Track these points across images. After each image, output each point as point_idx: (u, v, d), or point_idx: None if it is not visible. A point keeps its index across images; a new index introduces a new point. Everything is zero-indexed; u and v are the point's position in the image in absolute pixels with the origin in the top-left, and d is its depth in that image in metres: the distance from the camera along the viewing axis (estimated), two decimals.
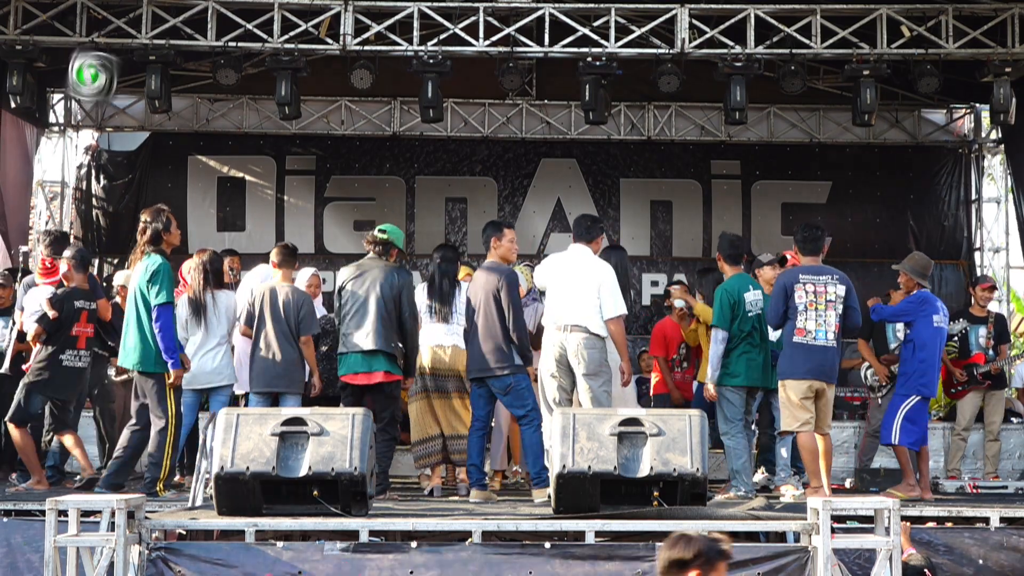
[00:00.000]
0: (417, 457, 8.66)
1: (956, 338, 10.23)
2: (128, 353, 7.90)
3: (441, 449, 8.58)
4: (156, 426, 7.87)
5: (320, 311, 9.31)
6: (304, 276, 9.30)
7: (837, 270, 8.21)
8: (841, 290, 8.04)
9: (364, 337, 8.02)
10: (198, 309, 8.66)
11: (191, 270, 8.84)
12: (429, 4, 11.15)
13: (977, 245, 14.29)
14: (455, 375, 8.59)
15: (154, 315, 7.76)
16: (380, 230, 8.42)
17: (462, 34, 11.18)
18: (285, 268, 8.83)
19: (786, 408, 8.07)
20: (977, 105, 14.05)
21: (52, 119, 13.85)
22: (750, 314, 8.23)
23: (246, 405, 8.70)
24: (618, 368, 8.11)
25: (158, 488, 7.83)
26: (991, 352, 10.19)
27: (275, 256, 8.90)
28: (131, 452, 7.99)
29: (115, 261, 13.62)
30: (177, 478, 8.89)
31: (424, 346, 8.57)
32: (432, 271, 8.78)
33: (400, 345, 8.16)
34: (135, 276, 7.92)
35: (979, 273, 13.85)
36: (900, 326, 9.50)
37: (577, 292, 8.04)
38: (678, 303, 10.06)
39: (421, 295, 8.69)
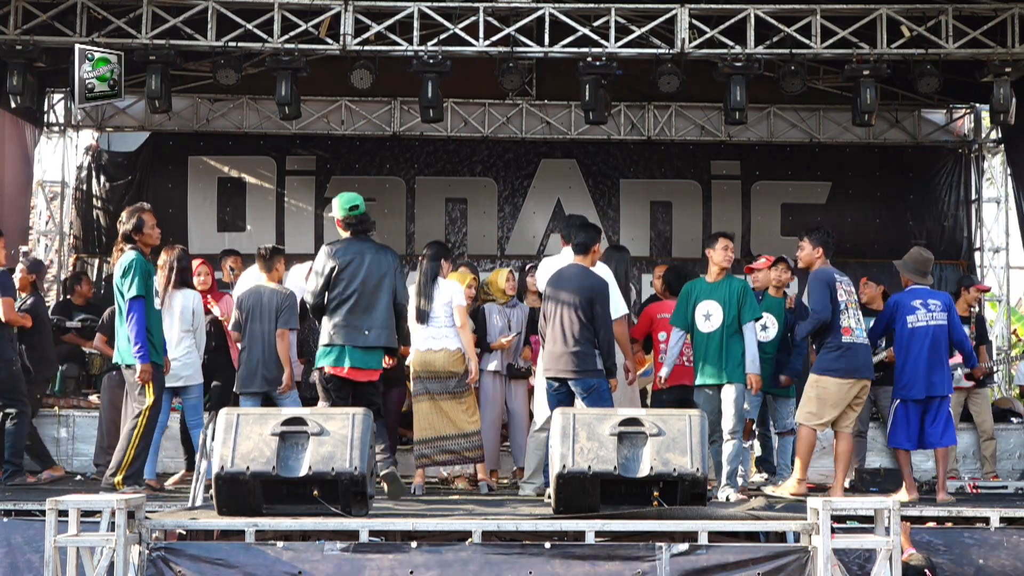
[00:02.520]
0: (420, 455, 8.61)
1: None
2: (117, 349, 7.88)
3: (444, 450, 8.54)
4: (127, 417, 7.83)
5: None
6: (302, 271, 9.33)
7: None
8: (855, 293, 8.27)
9: (369, 332, 7.61)
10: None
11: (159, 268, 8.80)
12: (429, 4, 11.15)
13: (977, 245, 14.29)
14: (450, 377, 8.54)
15: (126, 308, 7.69)
16: (352, 206, 7.85)
17: (462, 34, 11.18)
18: (269, 270, 8.87)
19: (814, 403, 8.07)
20: (977, 105, 14.05)
21: (52, 119, 13.84)
22: None
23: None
24: (623, 367, 8.16)
25: (116, 481, 7.56)
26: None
27: (259, 261, 8.99)
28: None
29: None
30: (184, 473, 8.91)
31: (414, 350, 8.55)
32: (419, 270, 8.71)
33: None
34: (115, 274, 7.88)
35: (979, 273, 13.85)
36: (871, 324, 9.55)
37: None
38: None
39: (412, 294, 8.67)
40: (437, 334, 8.52)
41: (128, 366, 7.79)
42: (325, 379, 7.64)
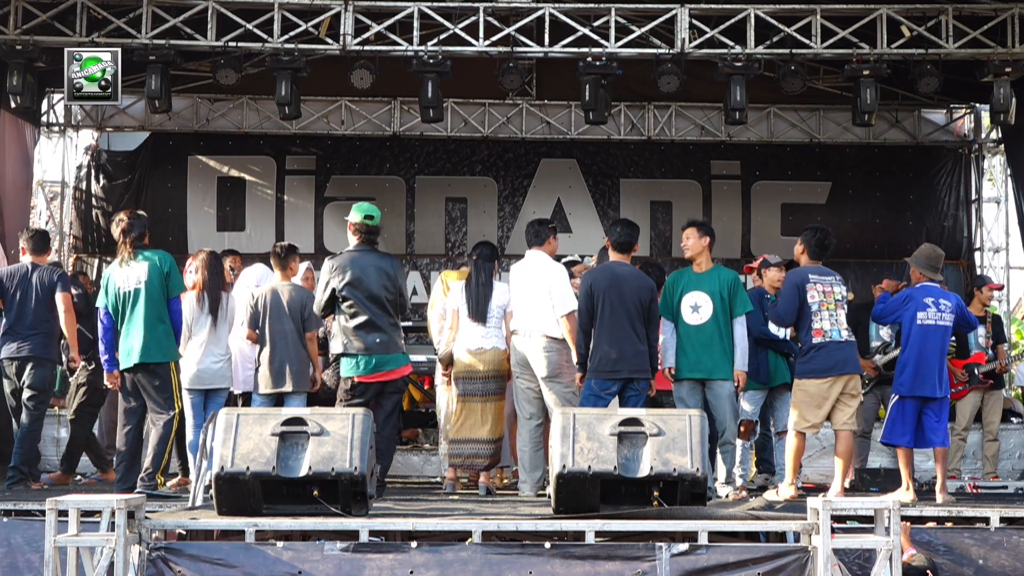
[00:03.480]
0: (465, 455, 8.57)
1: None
2: (133, 351, 7.81)
3: (472, 455, 8.54)
4: (162, 418, 7.84)
5: None
6: (299, 272, 9.35)
7: (835, 271, 8.26)
8: (843, 290, 8.10)
9: (378, 341, 7.67)
10: (215, 309, 8.66)
11: (199, 270, 8.81)
12: (429, 4, 11.15)
13: (977, 245, 14.30)
14: (496, 377, 8.53)
15: (174, 306, 7.92)
16: (368, 216, 7.84)
17: (462, 34, 11.19)
18: (284, 269, 8.84)
19: (799, 407, 8.05)
20: (977, 105, 14.06)
21: (52, 119, 13.86)
22: None
23: (244, 405, 8.69)
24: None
25: (160, 481, 7.85)
26: (990, 352, 10.20)
27: (274, 259, 8.91)
28: (133, 453, 7.99)
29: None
30: (180, 478, 8.91)
31: (460, 349, 8.56)
32: (470, 270, 8.71)
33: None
34: (136, 272, 7.84)
35: (979, 273, 13.85)
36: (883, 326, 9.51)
37: (532, 298, 8.19)
38: None
39: (457, 294, 8.69)
40: (488, 334, 8.52)
41: (159, 364, 7.84)
42: (351, 387, 7.70)
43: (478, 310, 8.50)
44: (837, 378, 7.98)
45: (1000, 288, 10.47)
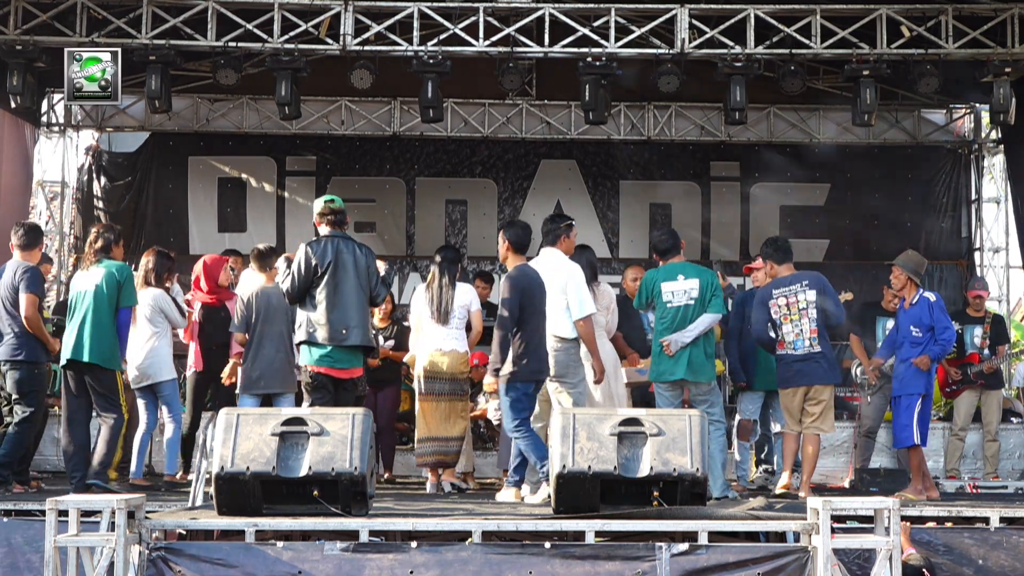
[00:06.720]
0: (431, 452, 8.70)
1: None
2: (78, 346, 7.93)
3: (437, 452, 8.64)
4: (108, 421, 8.00)
5: None
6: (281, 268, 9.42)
7: (808, 274, 8.60)
8: (812, 295, 8.35)
9: (346, 331, 7.53)
10: None
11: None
12: (429, 4, 11.16)
13: (977, 245, 14.28)
14: (450, 378, 8.61)
15: (123, 316, 8.07)
16: (328, 200, 7.80)
17: (462, 34, 11.19)
18: (266, 269, 8.87)
19: (784, 411, 8.68)
20: (977, 105, 14.04)
21: (52, 119, 13.85)
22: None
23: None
24: (591, 367, 8.16)
25: (111, 473, 8.16)
26: (986, 352, 10.20)
27: (255, 261, 8.98)
28: (85, 452, 8.06)
29: None
30: (180, 475, 8.97)
31: (423, 349, 8.67)
32: (432, 272, 8.83)
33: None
34: (93, 277, 8.04)
35: (978, 273, 13.85)
36: (889, 324, 9.54)
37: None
38: None
39: (420, 296, 8.81)
40: (449, 335, 8.64)
41: (106, 368, 8.01)
42: (310, 377, 7.60)
43: (440, 311, 8.61)
44: (802, 388, 8.52)
45: (978, 296, 10.47)
